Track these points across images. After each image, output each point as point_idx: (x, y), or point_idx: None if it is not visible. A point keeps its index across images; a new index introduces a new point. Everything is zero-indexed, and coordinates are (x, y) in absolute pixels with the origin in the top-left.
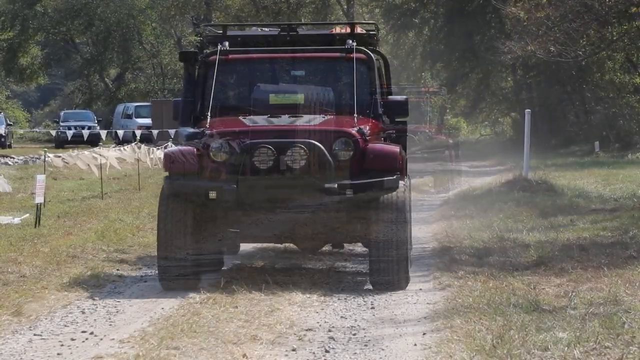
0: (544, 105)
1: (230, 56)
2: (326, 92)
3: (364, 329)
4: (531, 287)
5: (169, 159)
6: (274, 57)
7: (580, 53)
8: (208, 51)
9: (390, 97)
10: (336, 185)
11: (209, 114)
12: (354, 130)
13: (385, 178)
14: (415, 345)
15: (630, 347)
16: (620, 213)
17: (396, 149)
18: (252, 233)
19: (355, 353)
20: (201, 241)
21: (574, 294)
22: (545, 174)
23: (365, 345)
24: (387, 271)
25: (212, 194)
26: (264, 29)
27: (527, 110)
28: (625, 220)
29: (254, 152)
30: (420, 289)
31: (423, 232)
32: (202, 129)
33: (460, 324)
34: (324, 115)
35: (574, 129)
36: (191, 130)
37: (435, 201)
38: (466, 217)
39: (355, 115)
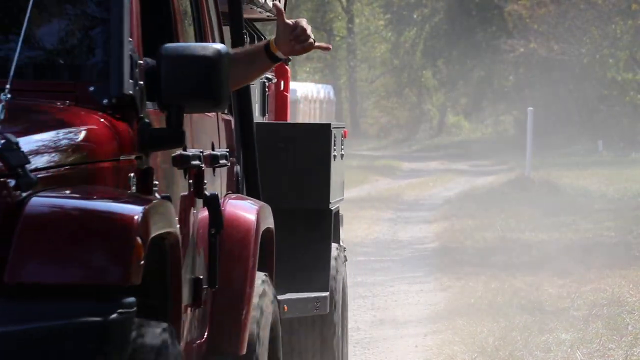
0: (547, 103)
1: None
2: None
3: (364, 331)
4: (533, 288)
5: None
6: None
7: (584, 51)
8: None
9: (166, 46)
10: None
11: None
12: None
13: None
14: (416, 346)
15: (634, 349)
16: (624, 213)
17: (138, 208)
18: None
19: (355, 355)
20: None
21: (576, 294)
22: (547, 173)
23: (366, 347)
24: None
25: None
26: None
27: (530, 109)
28: (628, 220)
29: None
30: (421, 290)
31: (424, 232)
32: None
33: (462, 325)
34: None
35: (576, 127)
36: None
37: (436, 200)
38: (468, 216)
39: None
